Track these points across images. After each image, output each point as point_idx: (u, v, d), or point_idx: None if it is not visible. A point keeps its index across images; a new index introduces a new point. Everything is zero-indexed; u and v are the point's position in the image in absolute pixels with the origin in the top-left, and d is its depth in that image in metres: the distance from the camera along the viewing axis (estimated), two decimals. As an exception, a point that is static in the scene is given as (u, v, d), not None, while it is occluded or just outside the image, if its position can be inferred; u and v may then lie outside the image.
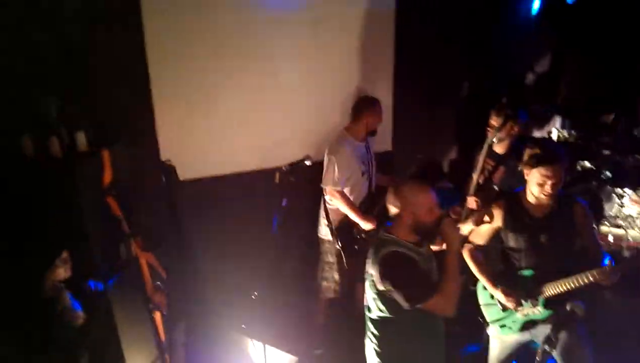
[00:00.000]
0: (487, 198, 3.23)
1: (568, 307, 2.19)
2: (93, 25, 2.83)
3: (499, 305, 2.73)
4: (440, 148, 5.12)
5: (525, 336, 2.72)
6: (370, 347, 2.36)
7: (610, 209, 5.11)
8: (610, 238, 5.02)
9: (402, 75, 4.37)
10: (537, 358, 2.19)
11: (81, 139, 2.64)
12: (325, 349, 3.78)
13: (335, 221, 3.51)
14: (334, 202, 3.52)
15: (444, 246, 2.30)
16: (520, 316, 2.68)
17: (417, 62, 4.42)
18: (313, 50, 3.82)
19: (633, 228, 5.04)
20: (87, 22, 2.80)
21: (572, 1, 5.46)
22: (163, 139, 3.30)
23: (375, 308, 2.27)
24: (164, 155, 3.27)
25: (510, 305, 2.65)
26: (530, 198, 2.58)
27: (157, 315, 2.80)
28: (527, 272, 2.64)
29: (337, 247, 3.46)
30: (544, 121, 5.98)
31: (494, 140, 3.36)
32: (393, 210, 2.26)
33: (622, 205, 5.10)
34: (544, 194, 2.49)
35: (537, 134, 5.91)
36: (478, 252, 2.81)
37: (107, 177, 2.66)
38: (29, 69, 2.66)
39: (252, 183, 3.62)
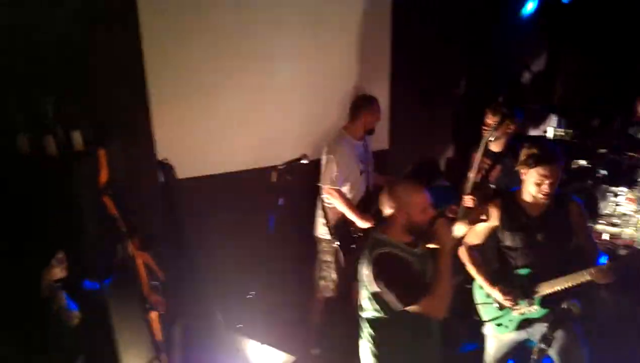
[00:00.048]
0: (484, 197, 3.24)
1: (564, 306, 2.20)
2: (90, 24, 2.82)
3: (495, 303, 2.74)
4: (437, 147, 5.13)
5: (522, 335, 2.73)
6: (365, 346, 2.36)
7: (606, 208, 5.13)
8: (606, 237, 5.04)
9: (398, 74, 4.38)
10: (533, 356, 2.19)
11: (77, 138, 2.62)
12: (322, 348, 3.79)
13: (332, 220, 3.52)
14: (332, 201, 3.52)
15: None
16: (516, 315, 2.68)
17: (413, 61, 4.43)
18: (310, 49, 3.82)
19: (628, 226, 5.06)
20: (85, 22, 2.79)
21: (567, 1, 5.48)
22: (160, 137, 3.29)
23: (369, 308, 2.27)
24: (161, 154, 3.26)
25: (507, 303, 2.65)
26: (527, 197, 2.59)
27: (154, 315, 2.80)
28: (523, 271, 2.65)
29: (335, 245, 3.47)
30: (540, 120, 6.00)
31: (491, 138, 3.37)
32: (387, 210, 2.26)
33: (617, 204, 5.12)
34: (542, 194, 2.50)
35: (533, 132, 5.93)
36: (475, 251, 2.82)
37: (104, 176, 2.65)
38: (25, 68, 2.65)
39: (249, 182, 3.61)
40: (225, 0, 3.42)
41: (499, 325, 2.76)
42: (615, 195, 5.11)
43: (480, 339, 2.99)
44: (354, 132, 3.62)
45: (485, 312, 2.82)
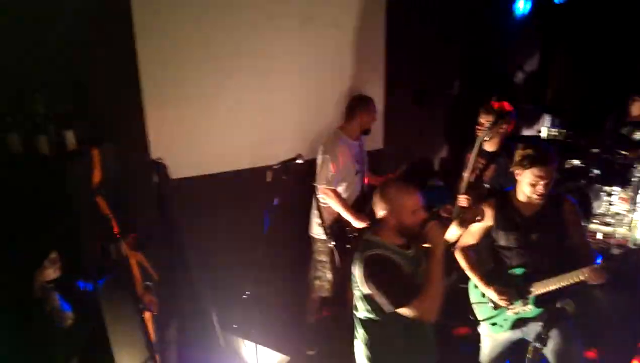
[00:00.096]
0: (478, 197, 3.25)
1: (559, 305, 2.21)
2: (84, 23, 2.80)
3: (490, 303, 2.75)
4: (431, 146, 5.14)
5: (517, 334, 2.74)
6: (359, 347, 2.36)
7: (599, 207, 5.17)
8: (599, 236, 5.08)
9: (393, 74, 4.38)
10: (528, 355, 2.20)
11: (70, 137, 2.60)
12: (317, 348, 3.78)
13: (327, 220, 3.52)
14: (327, 201, 3.52)
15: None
16: (511, 314, 2.69)
17: (408, 61, 4.44)
18: (304, 49, 3.81)
19: (621, 226, 5.09)
20: (78, 21, 2.77)
21: (559, 1, 5.51)
22: (154, 137, 3.27)
23: (362, 309, 2.26)
24: (155, 153, 3.24)
25: (502, 303, 2.66)
26: (521, 197, 2.60)
27: (148, 315, 2.78)
28: (518, 270, 2.65)
29: (330, 245, 3.47)
30: (533, 120, 6.03)
31: (485, 138, 3.38)
32: (379, 212, 2.26)
33: (610, 203, 5.16)
34: (536, 194, 2.51)
35: (526, 132, 5.96)
36: (470, 251, 2.82)
37: (97, 176, 2.63)
38: (17, 67, 2.62)
39: (243, 181, 3.60)
40: (219, 1, 3.41)
41: (493, 324, 2.77)
42: (609, 194, 5.15)
43: (475, 339, 3.00)
44: (350, 132, 3.62)
45: (480, 311, 2.83)
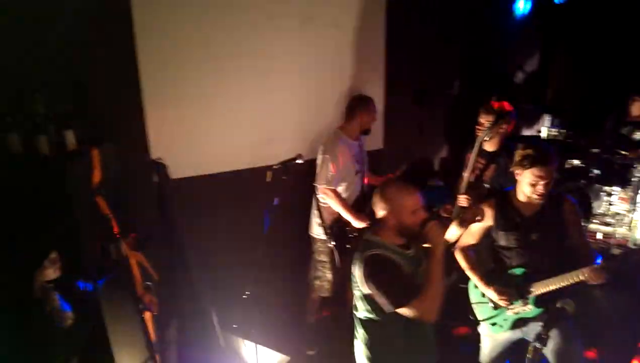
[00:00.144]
0: (478, 197, 3.25)
1: (559, 305, 2.20)
2: (84, 23, 2.80)
3: (490, 303, 2.75)
4: (431, 146, 5.14)
5: (517, 334, 2.74)
6: (359, 347, 2.36)
7: (599, 207, 5.17)
8: (599, 236, 5.08)
9: (393, 74, 4.38)
10: (528, 355, 2.20)
11: (70, 137, 2.60)
12: (317, 348, 3.78)
13: (327, 220, 3.52)
14: (327, 201, 3.52)
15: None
16: (511, 314, 2.69)
17: (408, 61, 4.44)
18: (304, 49, 3.81)
19: (621, 225, 5.09)
20: (79, 21, 2.77)
21: (559, 1, 5.51)
22: (154, 137, 3.27)
23: (362, 309, 2.26)
24: (155, 153, 3.24)
25: (502, 303, 2.66)
26: (521, 197, 2.60)
27: (148, 315, 2.78)
28: (518, 270, 2.65)
29: (330, 245, 3.47)
30: (533, 120, 6.03)
31: (485, 138, 3.38)
32: (379, 212, 2.26)
33: (610, 203, 5.16)
34: (536, 194, 2.51)
35: (526, 132, 5.96)
36: (470, 251, 2.82)
37: (97, 176, 2.63)
38: (17, 67, 2.62)
39: (243, 181, 3.60)
40: (219, 1, 3.41)
41: (493, 324, 2.77)
42: (609, 194, 5.15)
43: (475, 339, 3.00)
44: (350, 132, 3.62)
45: (480, 311, 2.83)
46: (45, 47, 2.68)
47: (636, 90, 4.95)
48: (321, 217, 3.47)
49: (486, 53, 5.13)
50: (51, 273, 2.29)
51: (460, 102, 5.06)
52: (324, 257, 3.65)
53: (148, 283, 2.81)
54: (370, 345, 2.29)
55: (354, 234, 3.54)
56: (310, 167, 3.59)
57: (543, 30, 5.84)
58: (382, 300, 2.13)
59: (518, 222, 2.63)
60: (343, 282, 3.68)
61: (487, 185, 3.49)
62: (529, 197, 2.55)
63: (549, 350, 2.54)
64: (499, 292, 2.64)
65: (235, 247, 3.56)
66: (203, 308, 3.20)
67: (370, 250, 2.19)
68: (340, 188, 3.55)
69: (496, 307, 2.73)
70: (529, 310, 2.63)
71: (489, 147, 3.50)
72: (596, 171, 5.08)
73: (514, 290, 2.64)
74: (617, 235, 5.02)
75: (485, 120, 3.41)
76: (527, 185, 2.51)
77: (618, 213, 5.14)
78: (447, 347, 3.20)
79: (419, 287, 2.15)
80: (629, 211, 5.02)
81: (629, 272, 2.74)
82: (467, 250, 2.81)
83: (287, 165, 3.14)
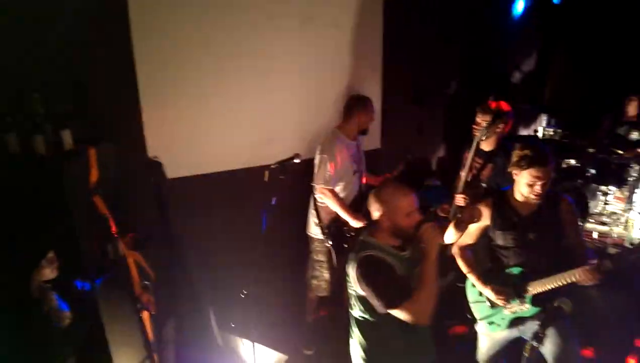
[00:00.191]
0: (475, 196, 3.25)
1: (556, 304, 2.21)
2: (83, 23, 2.80)
3: (487, 302, 2.76)
4: (429, 146, 5.15)
5: (514, 332, 2.75)
6: (354, 346, 2.36)
7: (595, 207, 5.19)
8: (595, 235, 5.10)
9: (391, 74, 4.39)
10: (525, 354, 2.21)
11: (67, 137, 2.60)
12: (314, 348, 3.79)
13: (325, 219, 3.52)
14: (325, 201, 3.52)
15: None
16: (508, 313, 2.70)
17: (405, 61, 4.44)
18: (304, 49, 3.82)
19: (617, 225, 5.11)
20: (76, 21, 2.76)
21: (558, 1, 5.52)
22: (151, 136, 3.27)
23: (357, 309, 2.27)
24: (152, 152, 3.24)
25: (499, 302, 2.67)
26: (518, 197, 2.60)
27: (145, 315, 2.78)
28: (515, 270, 2.66)
29: (327, 245, 3.47)
30: (530, 119, 6.05)
31: (482, 138, 3.39)
32: (374, 213, 2.26)
33: (606, 203, 5.18)
34: (534, 194, 2.51)
35: (523, 132, 5.98)
36: (467, 251, 2.83)
37: (94, 175, 2.62)
38: (18, 67, 2.62)
39: (241, 181, 3.60)
40: (219, 1, 3.41)
41: (491, 323, 2.78)
42: (605, 194, 5.17)
43: (472, 338, 3.01)
44: (347, 132, 3.63)
45: (478, 310, 2.84)
46: (44, 47, 2.68)
47: (633, 91, 4.97)
48: (319, 216, 3.48)
49: (485, 53, 5.14)
50: (49, 273, 2.28)
51: (459, 101, 5.07)
52: (321, 257, 3.65)
53: (146, 282, 2.81)
54: (366, 345, 2.29)
55: (352, 234, 3.55)
56: (308, 166, 3.59)
57: (542, 30, 5.85)
58: (374, 301, 2.13)
59: (515, 221, 2.64)
60: (340, 282, 3.69)
61: (484, 185, 3.49)
62: (526, 197, 2.55)
63: (545, 349, 2.55)
64: (497, 291, 2.65)
65: (233, 246, 3.56)
66: (201, 308, 3.20)
67: (364, 251, 2.19)
68: (338, 188, 3.55)
69: (493, 305, 2.74)
70: (526, 309, 2.64)
71: (486, 146, 3.50)
72: (592, 171, 5.10)
73: (511, 289, 2.64)
74: (613, 235, 5.04)
75: (482, 119, 3.41)
76: (525, 186, 2.52)
77: (614, 213, 5.17)
78: (444, 346, 3.21)
79: (412, 289, 2.14)
80: (624, 210, 5.05)
81: (625, 272, 2.75)
82: (464, 250, 2.82)
83: (285, 164, 3.15)
